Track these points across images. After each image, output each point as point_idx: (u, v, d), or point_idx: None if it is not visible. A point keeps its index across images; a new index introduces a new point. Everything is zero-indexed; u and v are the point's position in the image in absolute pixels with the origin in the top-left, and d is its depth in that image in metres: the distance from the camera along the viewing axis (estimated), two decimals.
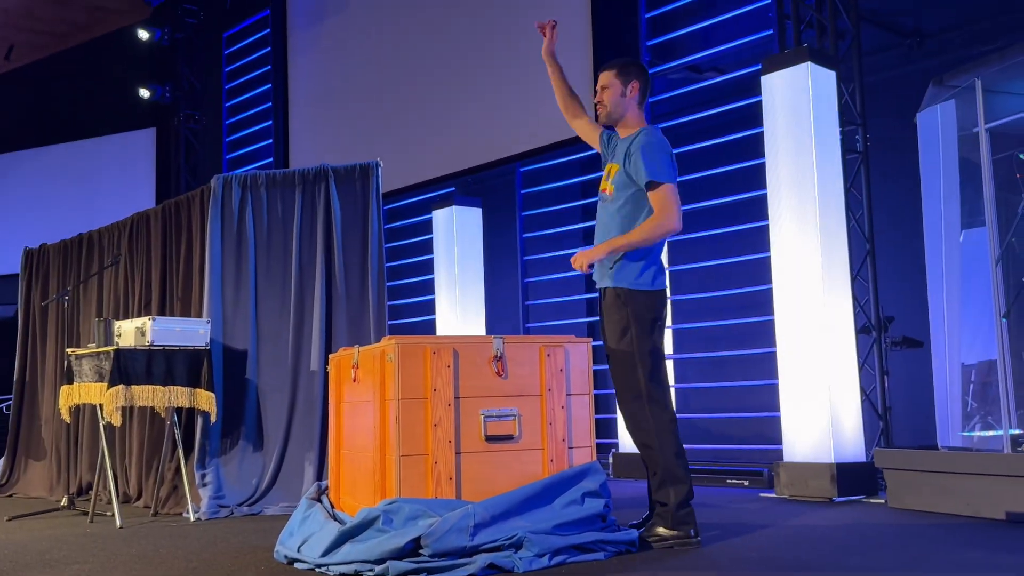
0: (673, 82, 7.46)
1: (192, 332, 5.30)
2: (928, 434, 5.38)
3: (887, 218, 6.32)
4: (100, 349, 5.20)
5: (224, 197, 5.86)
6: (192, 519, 5.14)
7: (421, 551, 3.28)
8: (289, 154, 10.70)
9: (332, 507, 4.07)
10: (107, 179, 12.32)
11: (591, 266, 3.90)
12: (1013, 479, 4.30)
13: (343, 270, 5.80)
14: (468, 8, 8.76)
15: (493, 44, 8.45)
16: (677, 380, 7.28)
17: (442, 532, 3.26)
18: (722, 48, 7.00)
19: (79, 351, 5.42)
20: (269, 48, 11.24)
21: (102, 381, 5.07)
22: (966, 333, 5.11)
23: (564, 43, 7.69)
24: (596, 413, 3.88)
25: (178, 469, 5.55)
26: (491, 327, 8.73)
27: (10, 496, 7.09)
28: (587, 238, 8.15)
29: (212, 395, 5.27)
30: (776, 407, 5.79)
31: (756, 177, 6.38)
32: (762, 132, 5.95)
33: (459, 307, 8.65)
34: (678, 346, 7.31)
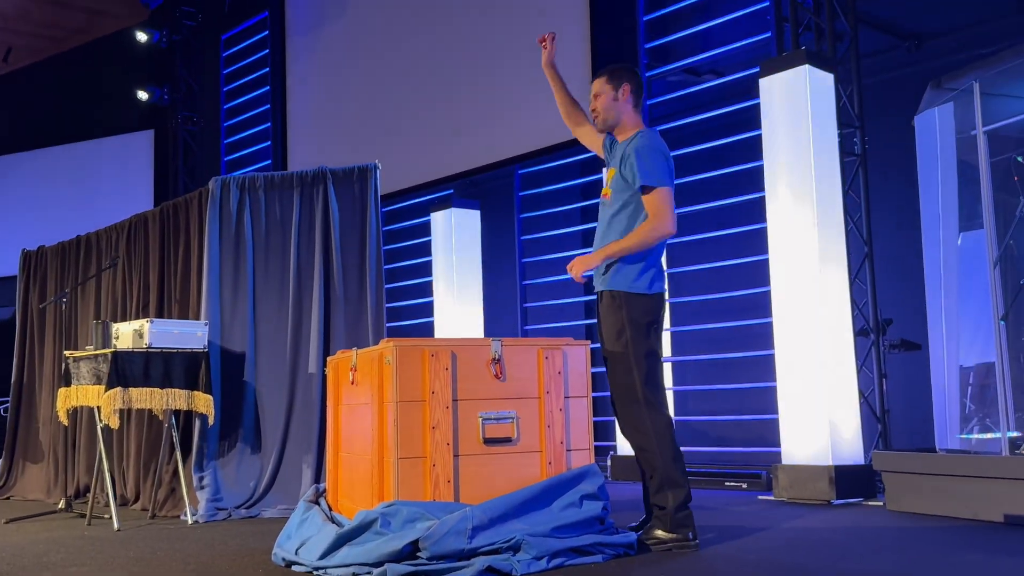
0: (671, 85, 7.46)
1: (190, 334, 5.30)
2: (926, 437, 5.38)
3: (885, 220, 6.33)
4: (98, 351, 5.19)
5: (222, 199, 5.85)
6: (190, 522, 5.14)
7: (419, 554, 3.27)
8: (287, 156, 10.70)
9: (330, 509, 4.06)
10: (105, 181, 12.32)
11: (585, 274, 3.89)
12: (1011, 481, 4.30)
13: (341, 272, 5.79)
14: (467, 10, 8.76)
15: (492, 46, 8.45)
16: (675, 382, 7.28)
17: (440, 535, 3.26)
18: (720, 51, 7.00)
19: (77, 353, 5.42)
20: (267, 50, 11.24)
21: (100, 383, 5.06)
22: (964, 336, 5.11)
23: (563, 47, 7.69)
24: (594, 416, 3.88)
25: (176, 472, 5.54)
26: (489, 329, 8.73)
27: (7, 499, 7.08)
28: (586, 240, 8.16)
29: (210, 397, 5.27)
30: (774, 409, 5.79)
31: (754, 180, 6.39)
32: (760, 135, 5.95)
33: (457, 309, 8.65)
34: (676, 348, 7.31)
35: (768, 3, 6.48)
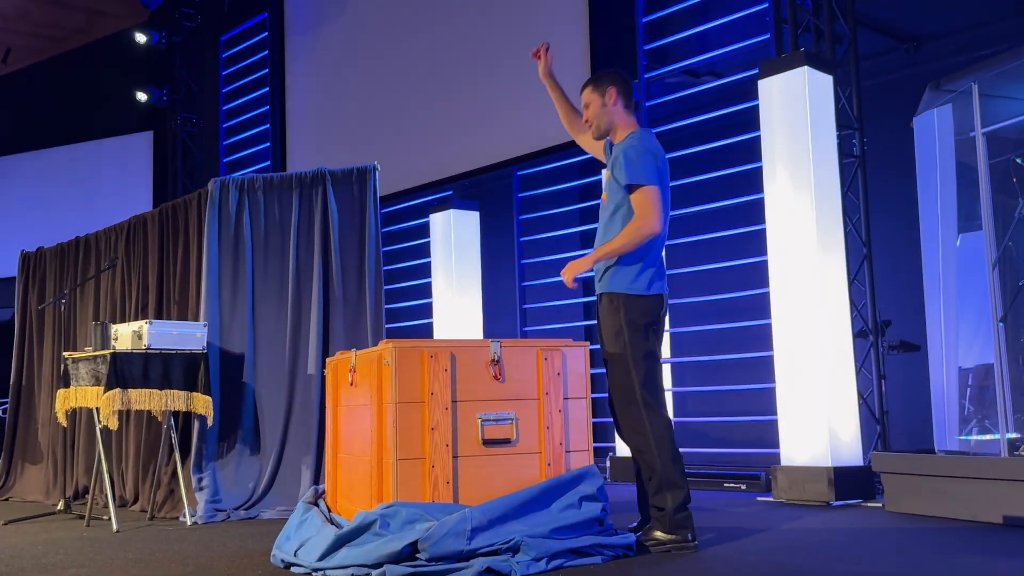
0: (670, 86, 7.46)
1: (189, 336, 5.30)
2: (925, 438, 5.38)
3: (884, 222, 6.33)
4: (97, 353, 5.19)
5: (221, 200, 5.85)
6: (189, 523, 5.13)
7: (418, 555, 3.27)
8: (286, 157, 10.70)
9: (329, 511, 4.06)
10: (104, 182, 12.32)
11: (576, 280, 3.89)
12: (1010, 483, 4.30)
13: (340, 274, 5.79)
14: (466, 11, 8.76)
15: (491, 47, 8.45)
16: (674, 384, 7.28)
17: (439, 536, 3.26)
18: (719, 52, 7.01)
19: (76, 355, 5.42)
20: (267, 51, 11.24)
21: (99, 385, 5.06)
22: (963, 337, 5.11)
23: (562, 48, 7.72)
24: (593, 417, 3.88)
25: (175, 473, 5.54)
26: (488, 331, 8.73)
27: (6, 500, 7.07)
28: (585, 241, 8.16)
29: (209, 399, 5.27)
30: (773, 411, 5.79)
31: (753, 181, 6.39)
32: (759, 136, 5.96)
33: (456, 311, 8.65)
34: (675, 350, 7.31)
35: (767, 5, 6.48)
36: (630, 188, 3.82)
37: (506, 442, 3.64)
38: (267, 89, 11.20)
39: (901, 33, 6.59)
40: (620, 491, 6.42)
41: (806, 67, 5.68)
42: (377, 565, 3.26)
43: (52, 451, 6.93)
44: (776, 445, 5.73)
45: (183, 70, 12.04)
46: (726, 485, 6.36)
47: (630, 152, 3.84)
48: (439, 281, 8.78)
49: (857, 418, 5.61)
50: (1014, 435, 4.60)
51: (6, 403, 7.73)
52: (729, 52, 6.94)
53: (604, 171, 4.10)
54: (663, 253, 4.00)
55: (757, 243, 6.33)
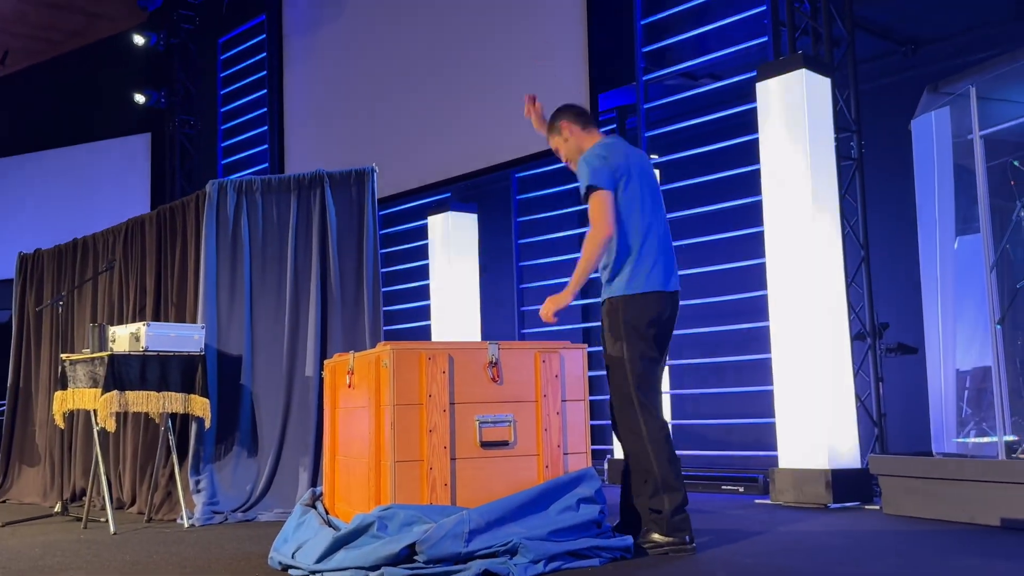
0: (668, 89, 7.47)
1: (187, 338, 5.30)
2: (923, 440, 5.39)
3: (882, 225, 6.34)
4: (95, 355, 5.19)
5: (219, 202, 5.85)
6: (186, 525, 5.13)
7: (416, 557, 3.27)
8: (284, 159, 10.70)
9: (327, 513, 4.06)
10: (102, 184, 12.30)
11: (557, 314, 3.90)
12: (1008, 485, 4.31)
13: (338, 276, 5.79)
14: (464, 13, 8.77)
15: (489, 49, 8.46)
16: (672, 386, 7.28)
17: (437, 538, 3.26)
18: (717, 55, 7.01)
19: (73, 356, 5.41)
20: (265, 53, 11.23)
21: (96, 387, 5.06)
22: (961, 339, 5.12)
23: (560, 50, 7.72)
24: (591, 419, 3.88)
25: (172, 475, 5.53)
26: (486, 333, 8.72)
27: (3, 502, 7.06)
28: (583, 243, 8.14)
29: (206, 401, 5.26)
30: (771, 413, 5.79)
31: (751, 183, 6.39)
32: (757, 139, 5.96)
33: (454, 313, 8.65)
34: (673, 352, 7.30)
35: (765, 7, 6.49)
36: (584, 198, 3.90)
37: (504, 444, 3.64)
38: (265, 91, 11.19)
39: (899, 36, 6.60)
40: (618, 493, 6.41)
41: (804, 70, 5.69)
42: (375, 567, 3.25)
43: (49, 453, 6.92)
44: (774, 447, 5.74)
45: (181, 72, 12.03)
46: (724, 487, 6.36)
47: (580, 164, 3.93)
48: (437, 283, 8.78)
49: (855, 421, 5.61)
50: (1011, 437, 4.60)
51: (3, 405, 7.72)
52: (727, 55, 6.95)
53: None
54: (660, 246, 3.93)
55: (755, 246, 6.33)
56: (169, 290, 6.21)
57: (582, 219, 8.26)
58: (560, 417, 3.73)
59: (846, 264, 5.80)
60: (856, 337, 5.90)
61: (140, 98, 11.92)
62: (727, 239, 6.97)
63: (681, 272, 7.35)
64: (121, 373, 5.02)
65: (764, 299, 5.91)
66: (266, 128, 11.15)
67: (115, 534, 4.84)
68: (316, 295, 5.74)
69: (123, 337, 5.23)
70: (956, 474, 4.57)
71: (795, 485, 5.49)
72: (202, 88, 12.09)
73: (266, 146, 11.12)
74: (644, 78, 7.31)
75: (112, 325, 5.57)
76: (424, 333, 9.11)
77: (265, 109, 11.16)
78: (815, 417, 5.46)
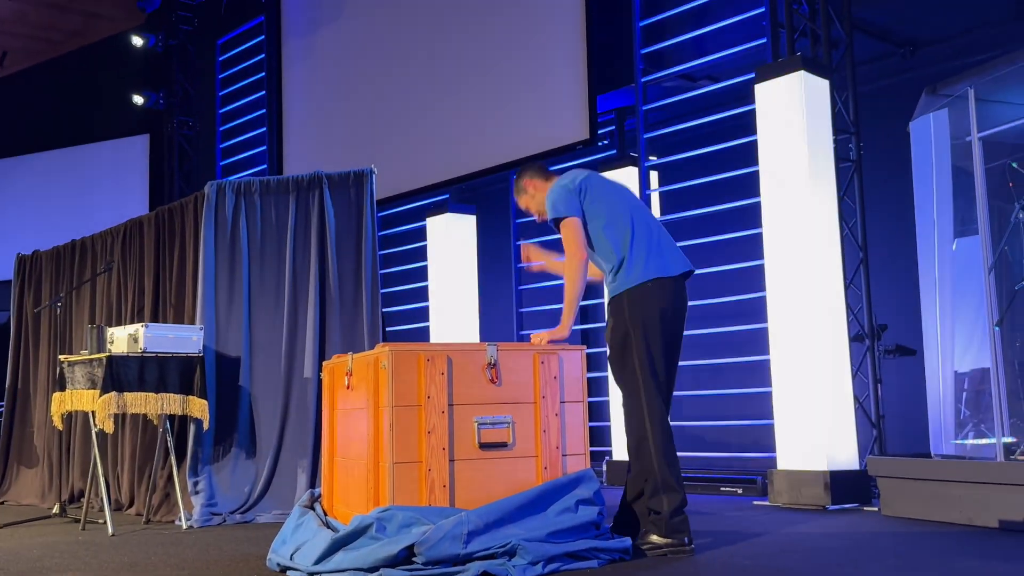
0: (667, 90, 7.48)
1: (185, 339, 5.29)
2: (921, 442, 5.39)
3: (880, 226, 6.34)
4: (93, 356, 5.18)
5: (218, 204, 5.85)
6: (184, 527, 5.12)
7: (415, 559, 3.27)
8: (283, 161, 10.70)
9: (325, 515, 4.06)
10: (100, 185, 12.30)
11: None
12: (1006, 487, 4.31)
13: (337, 277, 5.79)
14: (462, 15, 8.77)
15: (487, 51, 8.46)
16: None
17: (436, 540, 3.25)
18: (716, 57, 7.02)
19: (72, 358, 5.41)
20: (263, 55, 11.23)
21: (95, 388, 5.05)
22: (959, 341, 5.12)
23: (559, 51, 7.73)
24: (590, 421, 3.88)
25: (170, 476, 5.52)
26: (485, 334, 8.72)
27: (2, 503, 7.05)
28: None
29: (205, 402, 5.25)
30: (770, 415, 5.79)
31: (749, 185, 6.40)
32: (756, 140, 5.96)
33: (453, 314, 8.65)
34: None
35: (764, 9, 6.49)
36: (557, 230, 3.98)
37: (502, 446, 3.64)
38: (264, 92, 11.19)
39: (897, 38, 6.61)
40: (616, 495, 6.40)
41: (802, 72, 5.69)
42: (373, 569, 3.25)
43: (48, 454, 6.92)
44: (772, 449, 5.74)
45: (180, 73, 12.03)
46: (722, 489, 6.36)
47: (546, 203, 4.06)
48: (435, 284, 8.78)
49: (853, 422, 5.61)
50: (1010, 439, 4.61)
51: (2, 406, 7.71)
52: (726, 56, 6.95)
53: None
54: (650, 237, 3.95)
55: (753, 247, 6.33)
56: (167, 291, 6.21)
57: None
58: (559, 418, 3.73)
59: (845, 266, 5.80)
60: (855, 339, 5.90)
61: (139, 99, 11.92)
62: (726, 241, 6.97)
63: None
64: (119, 374, 5.02)
65: (763, 301, 5.91)
66: (265, 129, 11.15)
67: (113, 535, 4.84)
68: (315, 296, 5.74)
69: (121, 338, 5.23)
70: (954, 476, 4.57)
71: (793, 487, 5.49)
72: (201, 89, 12.09)
73: (265, 147, 11.12)
74: (643, 80, 7.32)
75: (110, 326, 5.57)
76: (423, 334, 9.10)
77: (264, 110, 11.15)
78: (814, 419, 5.46)
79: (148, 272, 6.38)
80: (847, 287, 5.83)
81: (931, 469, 4.73)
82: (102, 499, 5.13)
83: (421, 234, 9.22)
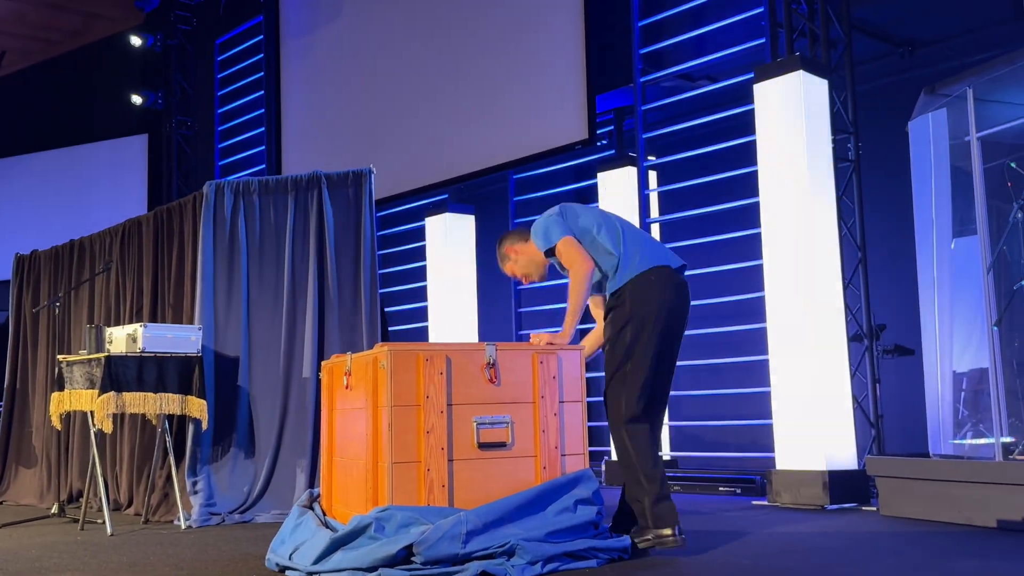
0: (666, 90, 7.48)
1: (184, 339, 5.29)
2: (920, 442, 5.39)
3: (879, 226, 6.34)
4: (91, 356, 5.18)
5: (216, 203, 5.85)
6: (183, 527, 5.12)
7: (413, 559, 3.27)
8: (282, 161, 10.69)
9: (324, 514, 4.05)
10: (99, 185, 12.29)
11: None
12: (1005, 487, 4.31)
13: (336, 277, 5.79)
14: (461, 15, 8.77)
15: (486, 50, 8.46)
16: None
17: (434, 539, 3.25)
18: (715, 56, 7.02)
19: (70, 358, 5.40)
20: (262, 55, 11.23)
21: (93, 388, 5.05)
22: (958, 341, 5.12)
23: (558, 52, 7.73)
24: (589, 420, 3.87)
25: (169, 476, 5.52)
26: (484, 334, 8.72)
27: (0, 503, 7.05)
28: None
29: (203, 402, 5.25)
30: (768, 415, 5.79)
31: (748, 185, 6.40)
32: (754, 140, 5.97)
33: (452, 314, 8.64)
34: None
35: (763, 9, 6.50)
36: (549, 254, 4.03)
37: (501, 445, 3.64)
38: (262, 92, 11.19)
39: (896, 38, 6.61)
40: (615, 495, 6.41)
41: (801, 71, 5.69)
42: (372, 569, 3.25)
43: (46, 454, 6.91)
44: (771, 449, 5.74)
45: (178, 73, 12.02)
46: (721, 489, 6.36)
47: (534, 239, 4.12)
48: (434, 284, 8.78)
49: (852, 422, 5.61)
50: (1008, 439, 4.61)
51: (0, 406, 7.70)
52: (725, 56, 6.96)
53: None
54: (638, 238, 3.99)
55: (752, 247, 6.34)
56: (166, 291, 6.20)
57: None
58: (558, 418, 3.73)
59: (843, 265, 5.80)
60: (853, 338, 5.90)
61: (137, 99, 11.92)
62: (724, 240, 6.98)
63: None
64: (118, 374, 5.02)
65: (761, 300, 5.91)
66: (263, 129, 11.15)
67: (112, 535, 4.83)
68: (313, 296, 5.73)
69: (120, 338, 5.23)
70: (953, 475, 4.57)
71: (792, 486, 5.49)
72: (199, 89, 12.09)
73: (263, 147, 11.12)
74: (641, 80, 7.32)
75: (109, 326, 5.56)
76: (422, 334, 9.10)
77: (262, 110, 11.15)
78: (812, 419, 5.46)
79: (147, 272, 6.37)
80: (846, 287, 5.83)
81: (930, 469, 4.73)
82: (101, 499, 5.13)
83: (420, 234, 9.22)
